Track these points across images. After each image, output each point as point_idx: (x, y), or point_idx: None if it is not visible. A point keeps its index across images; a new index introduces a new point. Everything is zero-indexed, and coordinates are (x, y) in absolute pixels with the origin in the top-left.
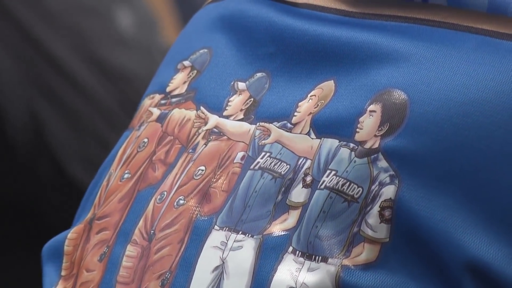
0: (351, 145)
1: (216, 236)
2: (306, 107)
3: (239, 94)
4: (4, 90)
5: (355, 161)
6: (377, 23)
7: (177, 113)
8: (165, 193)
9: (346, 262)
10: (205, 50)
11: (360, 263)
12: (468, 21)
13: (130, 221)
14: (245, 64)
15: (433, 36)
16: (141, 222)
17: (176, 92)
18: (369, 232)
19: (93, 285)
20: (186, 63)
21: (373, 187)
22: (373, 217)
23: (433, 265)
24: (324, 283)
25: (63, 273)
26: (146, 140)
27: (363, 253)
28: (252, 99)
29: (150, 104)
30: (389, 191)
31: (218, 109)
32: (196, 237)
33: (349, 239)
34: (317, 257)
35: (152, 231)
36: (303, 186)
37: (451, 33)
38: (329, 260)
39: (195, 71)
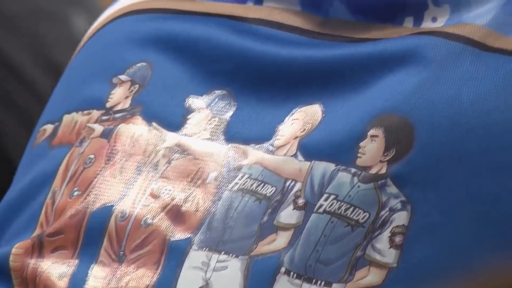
0: (352, 170)
1: (196, 257)
2: (290, 131)
3: (199, 112)
4: None
5: (359, 186)
6: (351, 45)
7: (125, 129)
8: (127, 211)
9: (350, 285)
10: (144, 64)
11: (364, 286)
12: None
13: (91, 240)
14: (198, 81)
15: (425, 52)
16: (105, 242)
17: (119, 107)
18: (377, 256)
19: None
20: (123, 77)
21: (382, 212)
22: (382, 242)
23: (454, 283)
24: None
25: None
26: (92, 156)
27: (368, 277)
28: (216, 118)
29: (88, 120)
30: (401, 217)
31: (174, 126)
32: (173, 258)
33: (351, 262)
34: (319, 281)
35: (121, 252)
36: (294, 208)
37: (445, 43)
38: (334, 285)
39: (137, 85)
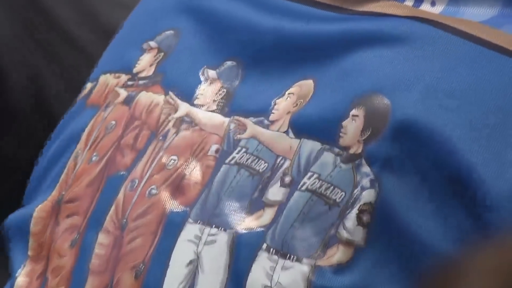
0: (336, 149)
1: (190, 230)
2: (284, 105)
3: (210, 83)
4: (4, 52)
5: (340, 167)
6: (360, 18)
7: (145, 97)
8: (136, 181)
9: (319, 262)
10: (172, 32)
11: (332, 264)
12: (462, 27)
13: (101, 208)
14: (214, 51)
15: (421, 37)
16: (112, 210)
17: (143, 74)
18: (345, 234)
19: (65, 271)
20: (152, 43)
21: (355, 191)
22: (350, 220)
23: (414, 265)
24: (296, 283)
25: (30, 253)
26: (113, 122)
27: (336, 255)
28: (224, 90)
29: (116, 84)
30: (369, 195)
31: (188, 96)
32: (170, 229)
33: (325, 240)
34: (292, 256)
35: (124, 220)
36: (281, 185)
37: (442, 34)
38: (304, 260)
39: (162, 53)
